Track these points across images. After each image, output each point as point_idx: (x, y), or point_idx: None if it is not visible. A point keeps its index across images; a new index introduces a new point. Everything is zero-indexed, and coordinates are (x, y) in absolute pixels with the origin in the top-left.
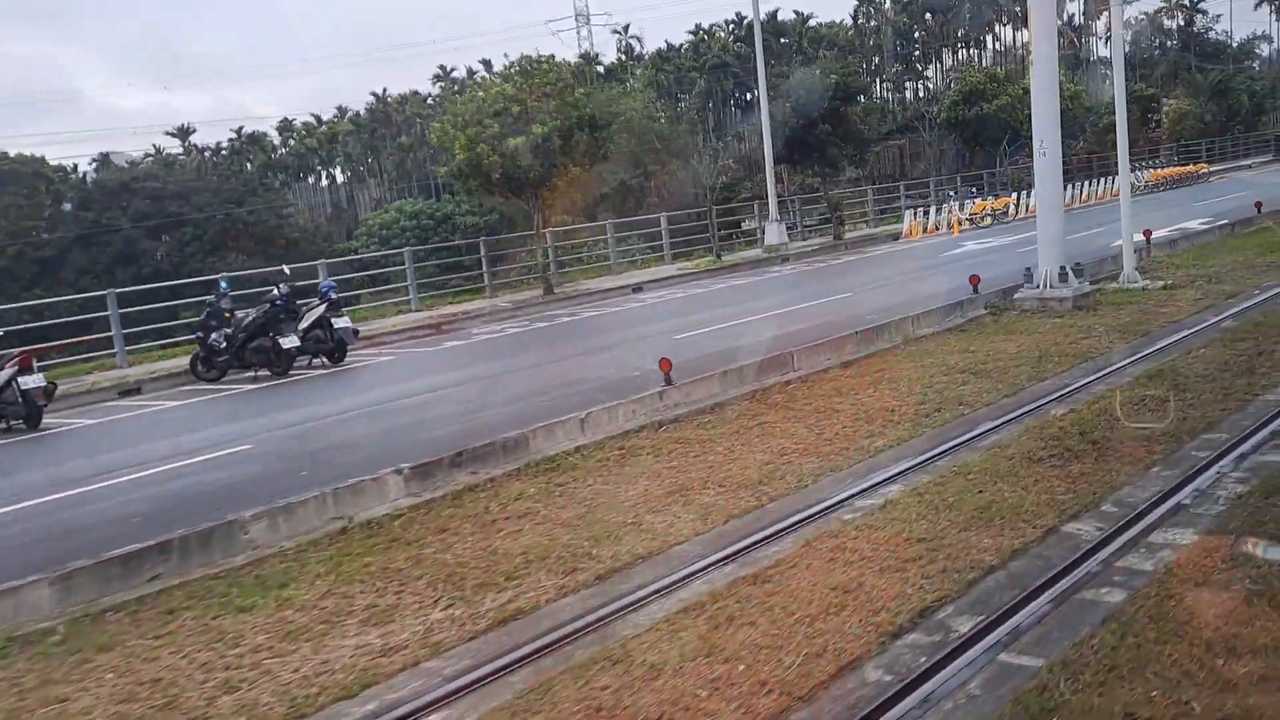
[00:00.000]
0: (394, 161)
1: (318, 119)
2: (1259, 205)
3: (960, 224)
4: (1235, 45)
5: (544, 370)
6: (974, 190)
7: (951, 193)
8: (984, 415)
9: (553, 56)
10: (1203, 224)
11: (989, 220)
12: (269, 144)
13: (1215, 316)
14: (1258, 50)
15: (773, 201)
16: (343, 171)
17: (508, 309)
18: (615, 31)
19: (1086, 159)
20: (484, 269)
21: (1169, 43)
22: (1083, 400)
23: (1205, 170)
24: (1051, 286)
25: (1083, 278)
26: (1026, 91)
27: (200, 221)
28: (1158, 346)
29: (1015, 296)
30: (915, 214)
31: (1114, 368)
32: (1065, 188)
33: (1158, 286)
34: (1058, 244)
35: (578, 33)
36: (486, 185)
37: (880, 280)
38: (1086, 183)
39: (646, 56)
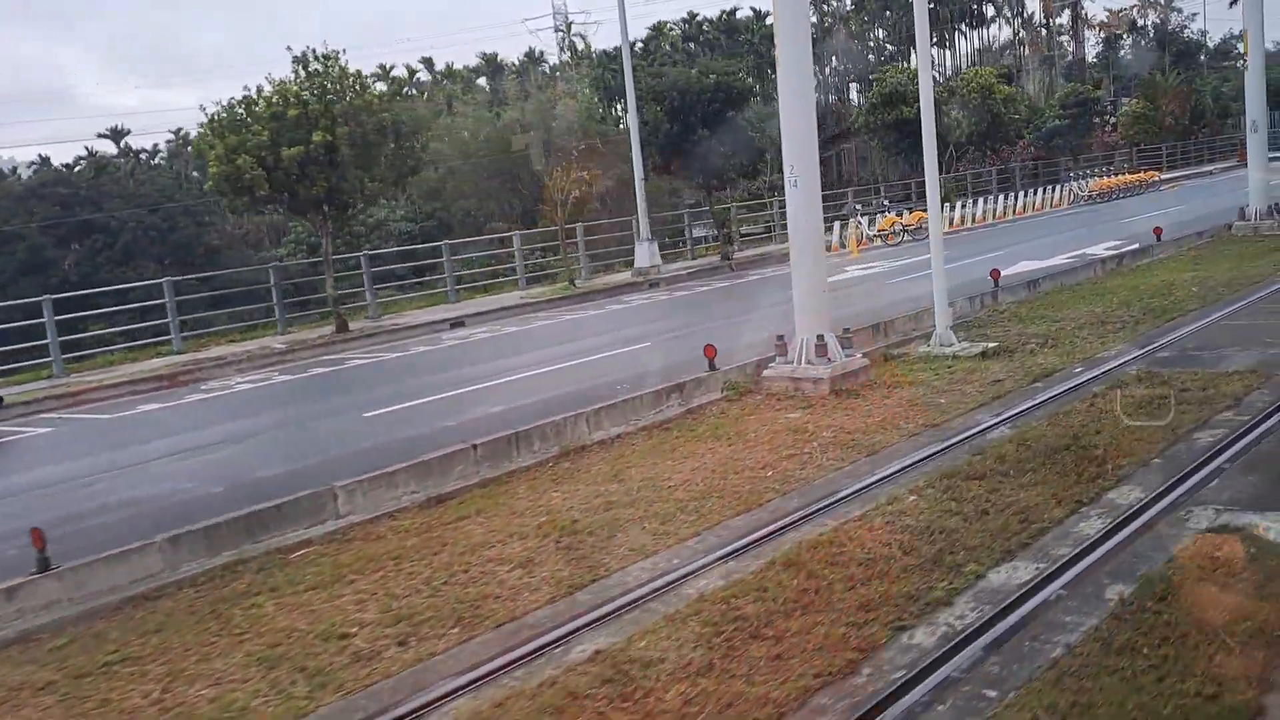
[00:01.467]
0: None
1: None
2: (1158, 232)
3: (864, 241)
4: (1211, 46)
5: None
6: (886, 203)
7: (858, 206)
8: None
9: (340, 53)
10: (1109, 249)
11: (904, 237)
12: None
13: (992, 418)
14: (1235, 49)
15: (643, 218)
16: None
17: (279, 352)
18: (558, 30)
19: (1032, 165)
20: (275, 300)
21: (1142, 42)
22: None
23: (1157, 178)
24: (808, 362)
25: (850, 349)
26: (953, 93)
27: (113, 229)
28: (863, 485)
29: (765, 373)
30: None
31: (728, 548)
32: (1004, 196)
33: (973, 353)
34: (818, 306)
35: (555, 30)
36: (254, 203)
37: (713, 319)
38: (1025, 193)
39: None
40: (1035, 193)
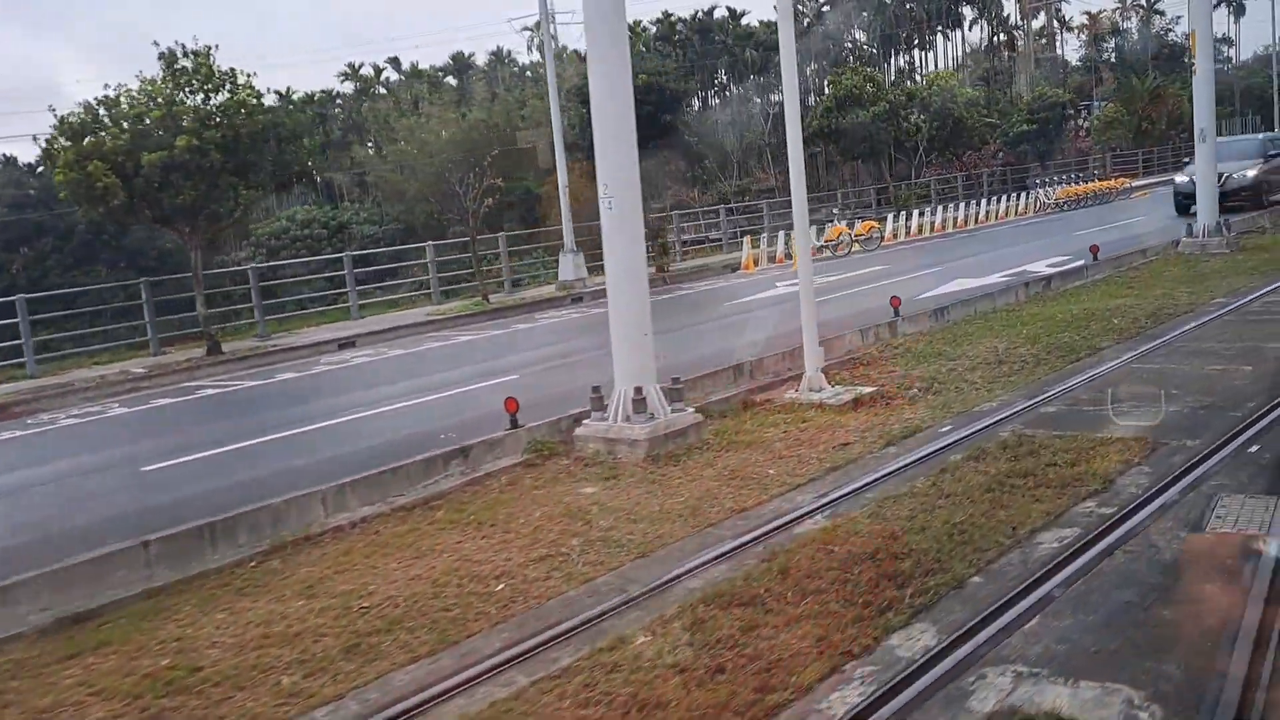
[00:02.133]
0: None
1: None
2: (1095, 250)
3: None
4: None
5: None
6: (835, 212)
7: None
8: None
9: (212, 49)
10: (1051, 266)
11: (854, 247)
12: None
13: (814, 500)
14: (1220, 53)
15: (567, 229)
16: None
17: (135, 378)
18: (526, 29)
19: (1002, 171)
20: (147, 318)
21: (1125, 45)
22: None
23: (1126, 185)
24: (625, 420)
25: (680, 403)
26: (910, 97)
27: (63, 231)
28: (598, 613)
29: (578, 431)
30: (757, 241)
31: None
32: (967, 204)
33: (842, 401)
34: (639, 352)
35: (545, 30)
36: (110, 213)
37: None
38: (988, 200)
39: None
40: (1000, 200)
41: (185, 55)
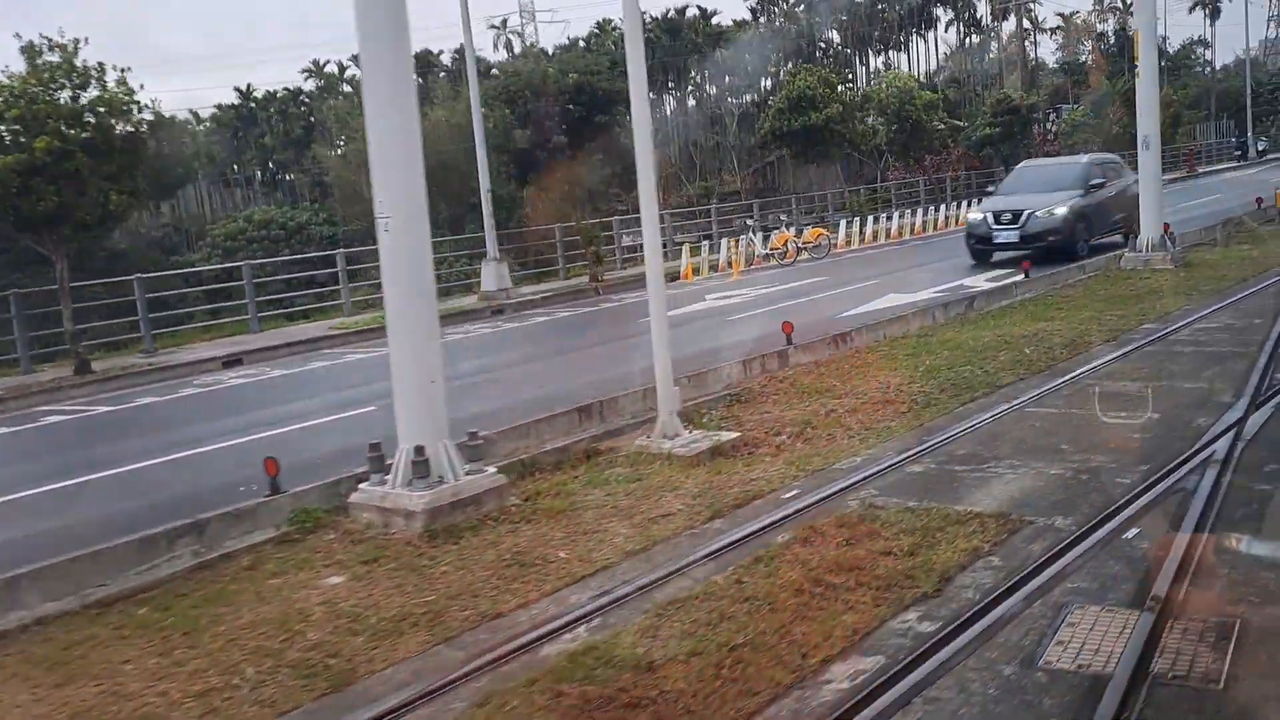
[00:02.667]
0: (257, 164)
1: (195, 115)
2: (1026, 267)
3: (757, 260)
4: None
5: None
6: (784, 218)
7: (750, 221)
8: None
9: (79, 42)
10: (990, 281)
11: (802, 255)
12: None
13: (590, 600)
14: (1193, 56)
15: (489, 236)
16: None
17: None
18: (492, 26)
19: (966, 176)
20: (15, 334)
21: (1102, 47)
22: None
23: None
24: (405, 485)
25: (480, 462)
26: (868, 99)
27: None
28: None
29: (352, 499)
30: (698, 248)
31: None
32: (926, 210)
33: (695, 451)
34: (426, 403)
35: (521, 29)
36: None
37: (509, 365)
38: (947, 206)
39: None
40: (959, 206)
41: (51, 49)
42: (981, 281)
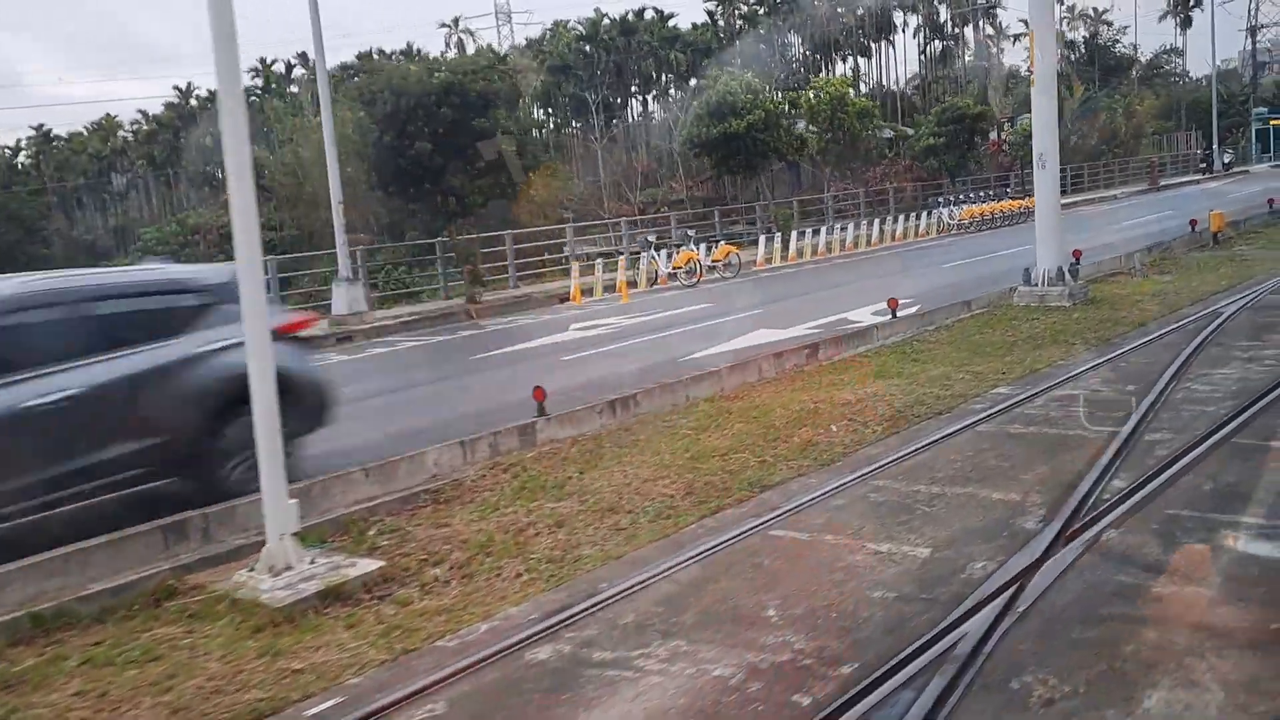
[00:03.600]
0: (197, 165)
1: (145, 115)
2: (893, 305)
3: (661, 279)
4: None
5: None
6: (691, 234)
7: (651, 239)
8: None
9: None
10: (876, 314)
11: (715, 273)
12: (81, 142)
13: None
14: (1166, 65)
15: (341, 254)
16: (139, 176)
17: None
18: (443, 25)
19: (912, 187)
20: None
21: (1071, 56)
22: None
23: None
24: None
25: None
26: (795, 105)
27: None
28: None
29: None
30: (589, 267)
31: None
32: (862, 224)
33: (301, 596)
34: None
35: (498, 30)
36: None
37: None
38: (884, 220)
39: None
40: (897, 220)
41: None
42: (866, 314)
